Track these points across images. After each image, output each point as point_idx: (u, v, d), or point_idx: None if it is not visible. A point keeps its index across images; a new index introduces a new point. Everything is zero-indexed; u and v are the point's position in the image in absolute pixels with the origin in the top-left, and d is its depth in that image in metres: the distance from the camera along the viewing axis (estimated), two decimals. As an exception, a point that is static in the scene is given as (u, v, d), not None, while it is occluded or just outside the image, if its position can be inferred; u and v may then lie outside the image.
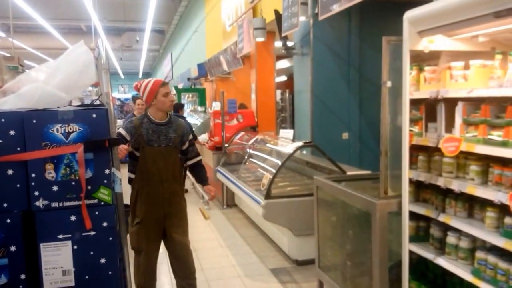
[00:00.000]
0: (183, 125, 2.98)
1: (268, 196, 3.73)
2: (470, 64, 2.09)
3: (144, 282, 2.90)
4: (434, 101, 2.25)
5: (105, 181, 1.91)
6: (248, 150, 5.26)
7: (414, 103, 2.33)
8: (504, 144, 1.85)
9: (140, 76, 30.99)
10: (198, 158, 3.11)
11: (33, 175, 1.84)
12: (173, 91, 11.80)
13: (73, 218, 1.88)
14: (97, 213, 1.90)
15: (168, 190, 2.84)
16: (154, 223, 2.84)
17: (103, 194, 1.90)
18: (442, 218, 2.18)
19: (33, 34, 16.64)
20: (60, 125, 1.87)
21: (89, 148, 1.87)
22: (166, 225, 2.88)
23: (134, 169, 2.86)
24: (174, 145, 2.87)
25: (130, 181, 2.90)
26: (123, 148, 2.51)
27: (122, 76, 29.52)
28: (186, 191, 6.96)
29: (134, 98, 5.51)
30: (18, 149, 1.83)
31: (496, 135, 1.91)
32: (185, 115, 10.61)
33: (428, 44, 2.25)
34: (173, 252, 2.92)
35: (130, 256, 2.18)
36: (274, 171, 3.95)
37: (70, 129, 1.87)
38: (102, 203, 1.91)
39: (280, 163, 4.03)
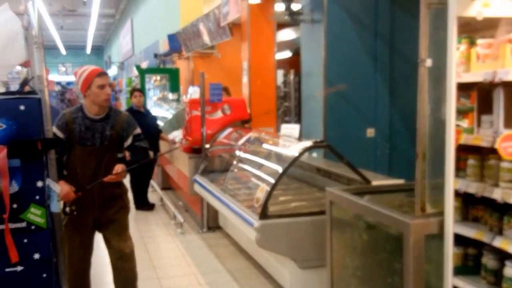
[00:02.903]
0: (123, 118, 3.40)
1: (264, 215, 3.74)
2: (538, 36, 2.11)
3: None
4: (490, 85, 2.26)
5: (37, 198, 1.90)
6: (237, 152, 5.26)
7: (463, 88, 2.34)
8: None
9: (88, 51, 30.94)
10: (140, 144, 3.43)
11: None
12: (135, 73, 11.78)
13: (-8, 248, 1.86)
14: (26, 240, 1.88)
15: (101, 195, 3.27)
16: (80, 230, 3.27)
17: (35, 215, 1.89)
18: (498, 242, 2.20)
19: None
20: (-26, 120, 1.85)
21: (16, 152, 1.85)
22: (102, 232, 3.40)
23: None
24: (111, 143, 3.30)
25: None
26: (69, 195, 2.89)
27: (63, 51, 29.42)
28: (153, 205, 7.12)
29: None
30: None
31: None
32: (149, 106, 10.63)
33: (482, 8, 2.26)
34: (111, 261, 3.40)
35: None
36: (272, 181, 3.95)
37: (-11, 125, 1.87)
38: (33, 227, 1.90)
39: (281, 170, 4.03)
